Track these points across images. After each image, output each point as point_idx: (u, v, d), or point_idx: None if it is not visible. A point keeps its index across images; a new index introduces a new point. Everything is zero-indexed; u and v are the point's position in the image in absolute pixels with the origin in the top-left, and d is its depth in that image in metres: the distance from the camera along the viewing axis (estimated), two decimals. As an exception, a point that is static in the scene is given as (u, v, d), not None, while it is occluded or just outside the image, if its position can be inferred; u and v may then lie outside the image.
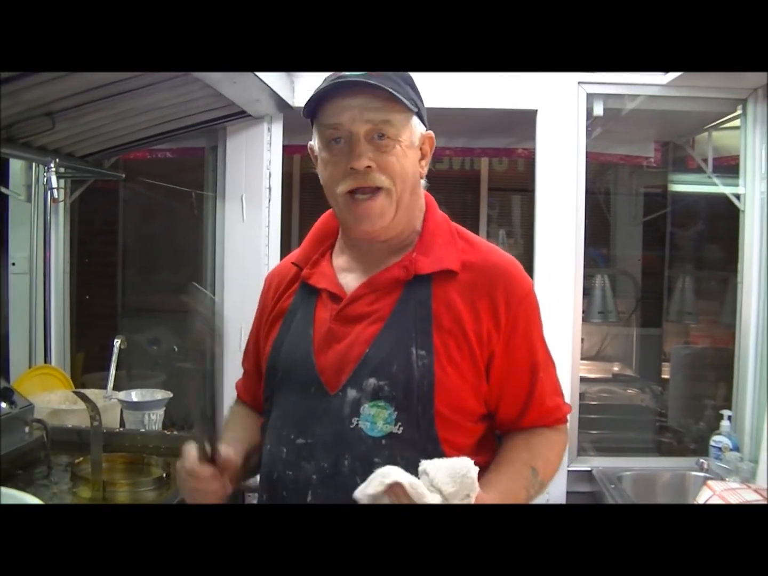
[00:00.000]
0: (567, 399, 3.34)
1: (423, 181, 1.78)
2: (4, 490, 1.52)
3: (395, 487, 1.36)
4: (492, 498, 1.49)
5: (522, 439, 1.71)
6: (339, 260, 1.79)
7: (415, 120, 1.69)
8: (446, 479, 1.39)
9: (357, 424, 1.58)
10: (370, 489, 1.38)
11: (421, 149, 1.72)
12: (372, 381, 1.59)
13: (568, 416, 1.83)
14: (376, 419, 1.57)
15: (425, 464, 1.42)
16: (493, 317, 1.64)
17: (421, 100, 1.72)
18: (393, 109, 1.62)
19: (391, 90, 1.59)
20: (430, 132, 1.74)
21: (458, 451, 1.53)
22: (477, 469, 1.42)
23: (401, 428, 1.56)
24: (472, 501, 1.40)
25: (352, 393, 1.60)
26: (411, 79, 1.70)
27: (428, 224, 1.76)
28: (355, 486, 1.41)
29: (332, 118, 1.64)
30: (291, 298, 1.80)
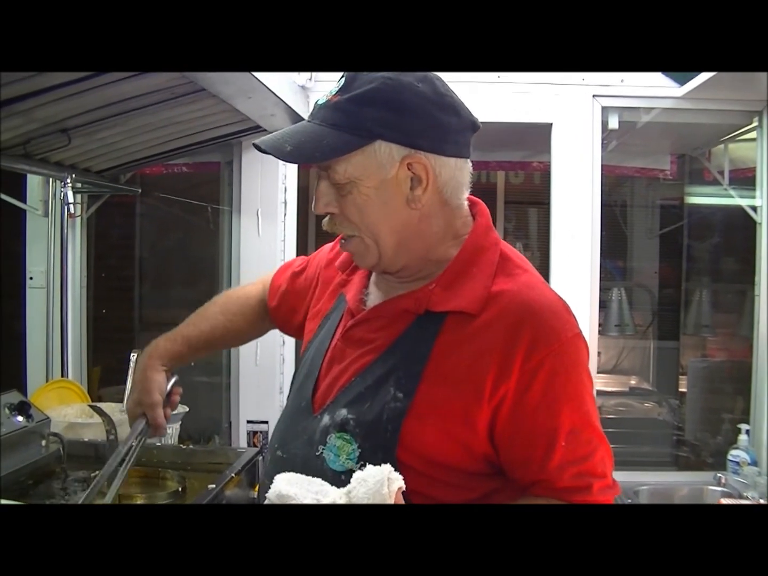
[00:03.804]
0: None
1: (457, 201, 1.55)
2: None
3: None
4: None
5: (530, 497, 1.46)
6: (374, 275, 1.66)
7: (380, 147, 1.43)
8: (362, 495, 1.28)
9: (321, 453, 1.49)
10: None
11: (412, 174, 1.45)
12: (343, 412, 1.48)
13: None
14: (340, 452, 1.46)
15: (356, 474, 1.31)
16: (505, 365, 1.40)
17: (411, 115, 1.44)
18: None
19: (285, 159, 1.48)
20: (416, 154, 1.44)
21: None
22: (398, 484, 1.28)
23: (362, 468, 1.35)
24: None
25: (326, 419, 1.51)
26: (383, 92, 1.43)
27: (465, 251, 1.53)
28: None
29: None
30: (333, 300, 1.74)
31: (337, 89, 1.46)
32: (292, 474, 1.38)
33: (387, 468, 1.29)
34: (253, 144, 1.49)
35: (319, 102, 1.49)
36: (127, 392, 3.32)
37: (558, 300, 1.50)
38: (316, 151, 1.43)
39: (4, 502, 1.44)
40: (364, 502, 1.26)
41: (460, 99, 1.52)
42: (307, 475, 1.42)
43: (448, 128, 1.47)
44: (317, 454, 1.49)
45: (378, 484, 1.27)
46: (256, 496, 1.84)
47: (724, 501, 2.97)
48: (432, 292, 1.49)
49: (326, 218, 1.54)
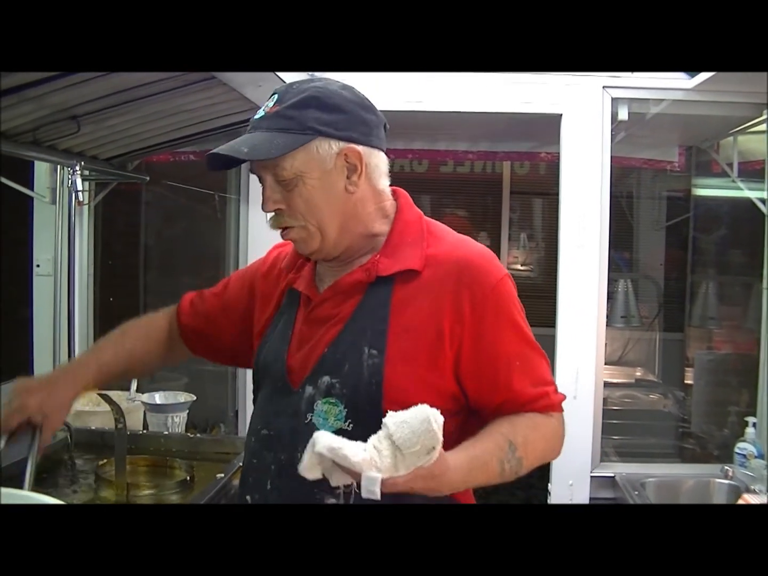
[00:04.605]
0: (590, 404, 3.40)
1: (382, 185, 1.75)
2: (20, 492, 1.52)
3: (324, 456, 1.37)
4: (458, 459, 1.48)
5: (505, 417, 1.66)
6: (320, 265, 1.83)
7: (320, 143, 1.64)
8: (408, 435, 1.35)
9: (311, 420, 1.64)
10: (304, 465, 1.40)
11: (347, 163, 1.67)
12: (326, 379, 1.65)
13: (564, 406, 1.75)
14: (328, 415, 1.63)
15: (388, 418, 1.39)
16: (457, 312, 1.63)
17: (341, 113, 1.66)
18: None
19: (243, 158, 1.62)
20: (350, 146, 1.66)
21: None
22: (441, 418, 1.37)
23: (351, 425, 1.60)
24: (437, 455, 1.38)
25: (309, 390, 1.67)
26: (316, 97, 1.65)
27: (397, 226, 1.76)
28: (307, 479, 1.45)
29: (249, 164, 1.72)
30: (281, 300, 1.88)
31: (273, 103, 1.67)
32: (323, 431, 1.42)
33: (425, 406, 1.38)
34: (207, 156, 1.70)
35: (257, 117, 1.69)
36: (134, 380, 3.33)
37: (484, 249, 1.75)
38: (271, 149, 1.61)
39: (5, 490, 1.43)
40: (413, 441, 1.36)
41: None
42: (299, 442, 1.58)
43: (370, 124, 1.71)
44: (306, 422, 1.65)
45: (425, 422, 1.35)
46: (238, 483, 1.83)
47: (749, 498, 2.94)
48: (378, 261, 1.71)
49: (271, 216, 1.73)
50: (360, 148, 1.68)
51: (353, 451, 1.36)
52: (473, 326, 1.64)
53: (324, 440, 1.37)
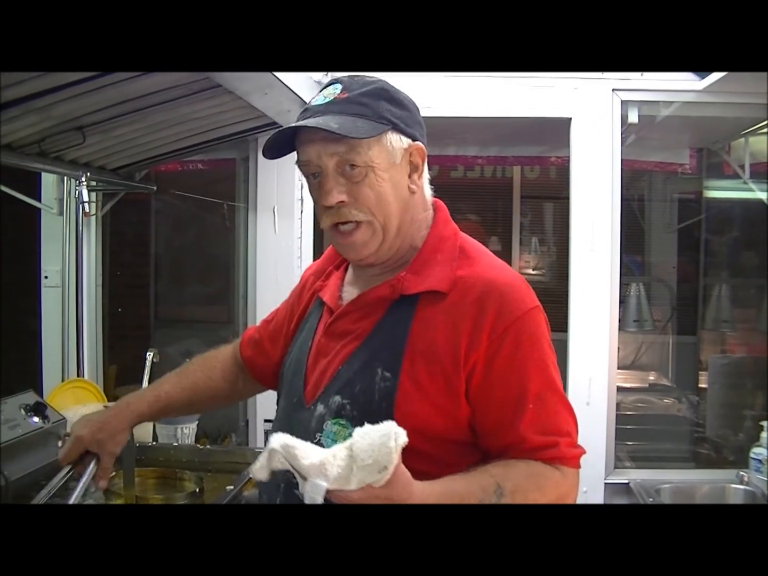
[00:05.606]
0: (603, 409, 3.36)
1: (428, 192, 1.73)
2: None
3: (277, 453, 1.30)
4: (427, 490, 1.38)
5: (503, 460, 1.53)
6: (348, 274, 1.78)
7: (392, 136, 1.59)
8: (365, 448, 1.26)
9: (320, 440, 1.57)
10: (255, 464, 1.33)
11: (410, 162, 1.64)
12: (337, 398, 1.59)
13: (581, 461, 1.60)
14: (337, 437, 1.54)
15: (357, 429, 1.30)
16: (473, 336, 1.52)
17: (406, 110, 1.64)
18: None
19: (334, 132, 1.51)
20: (417, 143, 1.64)
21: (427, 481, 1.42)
22: (403, 439, 1.26)
23: None
24: (388, 476, 1.26)
25: (320, 408, 1.61)
26: (386, 90, 1.62)
27: (430, 240, 1.68)
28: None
29: (301, 155, 1.61)
30: (308, 308, 1.85)
31: (340, 89, 1.60)
32: (282, 434, 1.34)
33: (392, 423, 1.29)
34: (273, 135, 1.60)
35: (321, 102, 1.60)
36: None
37: (517, 277, 1.66)
38: (358, 130, 1.54)
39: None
40: (368, 454, 1.27)
41: None
42: None
43: (423, 125, 1.69)
44: (315, 441, 1.55)
45: (384, 437, 1.27)
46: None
47: None
48: (404, 278, 1.63)
49: (329, 212, 1.62)
50: (420, 147, 1.65)
51: (306, 453, 1.29)
52: (489, 354, 1.53)
53: (280, 437, 1.31)
